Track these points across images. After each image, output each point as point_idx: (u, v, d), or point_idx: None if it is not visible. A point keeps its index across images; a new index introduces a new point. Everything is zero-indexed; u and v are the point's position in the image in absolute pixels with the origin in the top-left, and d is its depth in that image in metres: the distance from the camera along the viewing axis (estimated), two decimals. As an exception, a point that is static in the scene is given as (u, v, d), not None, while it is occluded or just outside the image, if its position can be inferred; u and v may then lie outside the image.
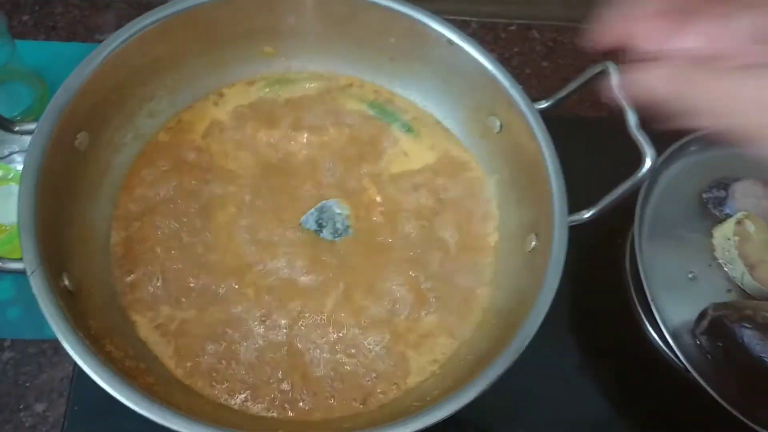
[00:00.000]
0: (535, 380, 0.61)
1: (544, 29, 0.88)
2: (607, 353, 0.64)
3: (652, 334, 0.60)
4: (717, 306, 0.57)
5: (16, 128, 0.47)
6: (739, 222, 0.61)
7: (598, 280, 0.67)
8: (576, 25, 0.88)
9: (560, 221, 0.48)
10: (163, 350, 0.49)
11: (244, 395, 0.48)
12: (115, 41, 0.50)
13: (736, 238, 0.60)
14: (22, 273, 0.42)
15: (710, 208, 0.63)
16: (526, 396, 0.60)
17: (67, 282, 0.45)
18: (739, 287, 0.61)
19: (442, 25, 0.56)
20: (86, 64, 0.49)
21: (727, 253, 0.61)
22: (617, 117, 0.50)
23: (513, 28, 0.87)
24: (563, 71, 0.84)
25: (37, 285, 0.41)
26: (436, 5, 0.77)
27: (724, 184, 0.64)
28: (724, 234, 0.61)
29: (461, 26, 0.86)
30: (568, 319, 0.65)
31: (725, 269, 0.61)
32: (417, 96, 0.63)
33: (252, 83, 0.61)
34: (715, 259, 0.61)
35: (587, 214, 0.49)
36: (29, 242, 0.42)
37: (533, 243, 0.51)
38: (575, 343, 0.64)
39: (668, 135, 0.65)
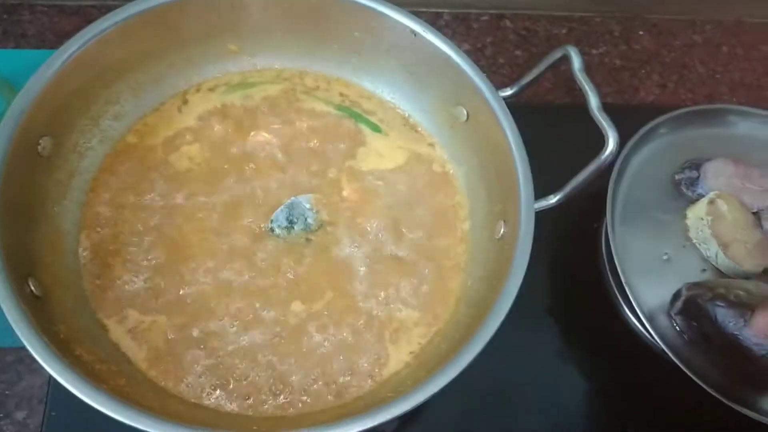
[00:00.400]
0: (516, 364, 0.61)
1: (516, 18, 0.88)
2: (586, 336, 0.65)
3: (629, 317, 0.60)
4: (690, 286, 0.57)
5: (-23, 135, 0.47)
6: (711, 202, 0.61)
7: (576, 264, 0.67)
8: (548, 13, 0.88)
9: (527, 207, 0.48)
10: (135, 352, 0.49)
11: (217, 393, 0.48)
12: (75, 44, 0.50)
13: (709, 217, 0.60)
14: (-15, 279, 0.42)
15: (683, 189, 0.64)
16: (506, 380, 0.61)
17: (33, 287, 0.45)
18: (714, 267, 0.61)
19: (405, 17, 0.56)
20: (46, 69, 0.49)
21: (700, 232, 0.61)
22: (582, 102, 0.50)
23: (485, 18, 0.87)
24: (536, 59, 0.82)
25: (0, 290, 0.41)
26: (408, -1, 0.77)
27: (696, 165, 0.64)
28: (697, 214, 0.61)
29: (433, 18, 0.87)
30: (546, 303, 0.65)
31: (699, 249, 0.61)
32: (384, 89, 0.62)
33: (215, 88, 0.61)
34: (689, 239, 0.62)
35: (554, 199, 0.49)
36: (-9, 250, 0.42)
37: (502, 230, 0.51)
38: (554, 327, 0.64)
39: (637, 118, 0.66)
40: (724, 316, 0.55)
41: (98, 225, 0.53)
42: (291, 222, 0.55)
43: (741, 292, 0.56)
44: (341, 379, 0.50)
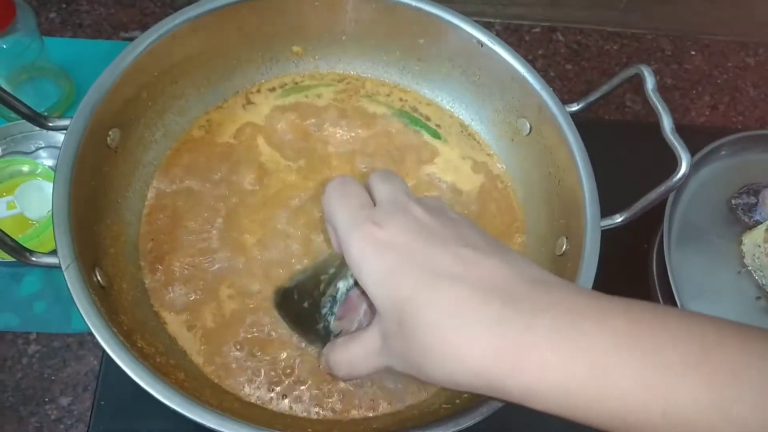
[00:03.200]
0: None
1: (568, 32, 0.87)
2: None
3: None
4: None
5: (50, 124, 0.47)
6: None
7: (624, 286, 0.66)
8: (600, 28, 0.88)
9: (593, 225, 0.48)
10: (192, 347, 0.49)
11: (273, 394, 0.48)
12: (146, 40, 0.51)
13: (767, 245, 0.59)
14: (56, 267, 0.42)
15: (739, 214, 0.63)
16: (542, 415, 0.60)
17: (99, 277, 0.45)
18: (769, 294, 0.60)
19: (472, 27, 0.56)
20: (119, 63, 0.49)
21: (757, 259, 0.60)
22: (643, 120, 0.50)
23: (537, 30, 0.87)
24: (587, 74, 0.84)
25: (71, 280, 0.41)
26: (459, 6, 0.77)
27: (754, 190, 0.63)
28: (754, 240, 0.61)
29: (485, 28, 0.87)
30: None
31: (755, 276, 0.60)
32: (444, 98, 0.62)
33: (277, 88, 0.61)
34: (744, 266, 0.61)
35: (620, 218, 0.49)
36: (64, 237, 0.42)
37: (564, 247, 0.51)
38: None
39: (697, 139, 0.65)
40: None
41: (159, 218, 0.54)
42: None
43: None
44: (392, 386, 0.50)
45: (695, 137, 0.65)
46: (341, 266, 0.44)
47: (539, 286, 0.31)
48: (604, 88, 0.53)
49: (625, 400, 0.27)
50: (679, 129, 0.80)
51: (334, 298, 0.44)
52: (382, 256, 0.34)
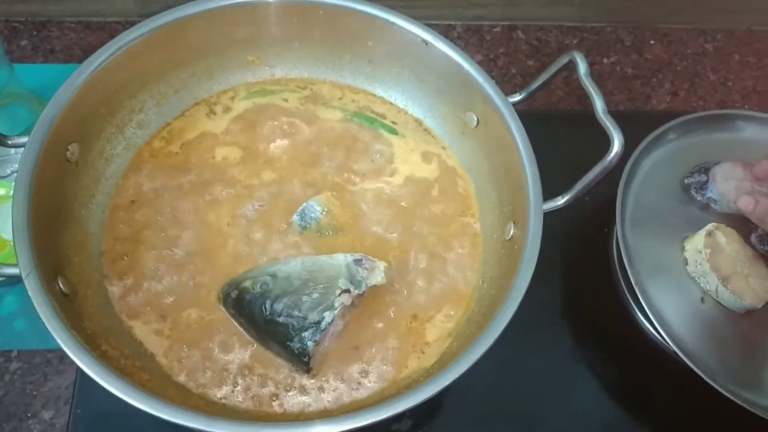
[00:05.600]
0: (528, 368, 0.62)
1: (528, 29, 0.89)
2: (598, 339, 0.65)
3: (640, 319, 0.61)
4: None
5: (10, 142, 0.49)
6: (709, 234, 0.60)
7: (587, 268, 0.68)
8: (559, 24, 0.90)
9: (535, 208, 0.49)
10: (158, 349, 0.51)
11: (236, 391, 0.49)
12: (101, 56, 0.53)
13: (708, 250, 0.59)
14: (17, 277, 0.44)
15: (692, 193, 0.64)
16: (518, 383, 0.62)
17: (61, 285, 0.47)
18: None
19: (416, 26, 0.58)
20: (74, 79, 0.51)
21: (699, 266, 0.60)
22: (590, 107, 0.52)
23: (497, 29, 0.89)
24: (548, 69, 0.86)
25: (31, 288, 0.43)
26: (420, 11, 0.79)
27: (705, 169, 0.64)
28: (695, 246, 0.60)
29: (446, 30, 0.89)
30: (559, 307, 0.66)
31: (698, 282, 0.60)
32: (397, 96, 0.64)
33: (235, 96, 0.63)
34: (687, 273, 0.61)
35: (561, 201, 0.50)
36: (23, 247, 0.44)
37: (512, 231, 0.52)
38: (566, 330, 0.65)
39: (649, 125, 0.67)
40: None
41: (122, 228, 0.55)
42: (304, 226, 0.57)
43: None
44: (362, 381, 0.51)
45: (656, 123, 0.66)
46: (326, 293, 0.47)
47: None
48: (542, 77, 0.54)
49: None
50: (639, 116, 0.83)
51: (317, 325, 0.46)
52: None
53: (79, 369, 0.60)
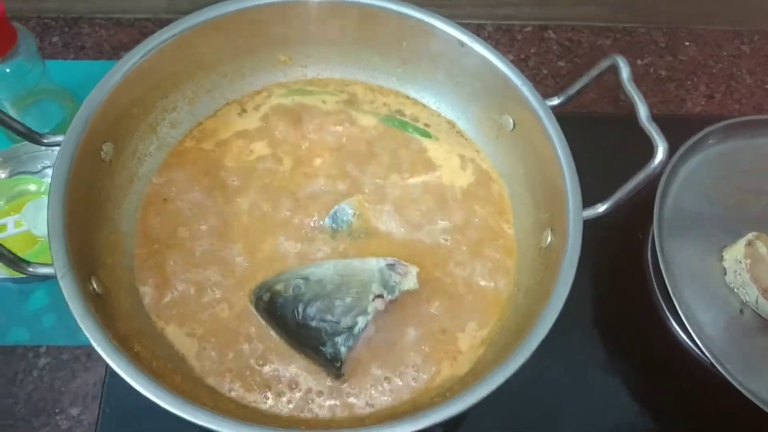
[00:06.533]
0: (560, 375, 0.61)
1: (559, 29, 0.88)
2: (632, 348, 0.64)
3: (675, 328, 0.59)
4: None
5: (45, 140, 0.49)
6: (749, 243, 0.59)
7: (622, 275, 0.67)
8: (591, 24, 0.88)
9: (575, 216, 0.48)
10: (189, 351, 0.50)
11: (267, 396, 0.49)
12: (134, 57, 0.53)
13: (748, 260, 0.58)
14: (52, 277, 0.44)
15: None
16: (550, 390, 0.61)
17: (95, 286, 0.47)
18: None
19: (453, 27, 0.57)
20: (108, 79, 0.51)
21: (738, 276, 0.58)
22: (632, 113, 0.50)
23: (528, 29, 0.88)
24: (580, 70, 0.85)
25: (66, 288, 0.43)
26: (451, 10, 0.78)
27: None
28: (734, 256, 0.59)
29: (476, 30, 0.88)
30: (590, 314, 0.65)
31: (737, 293, 0.59)
32: (430, 98, 0.63)
33: (268, 96, 0.63)
34: (726, 283, 0.59)
35: (602, 208, 0.49)
36: (59, 248, 0.44)
37: (549, 239, 0.51)
38: (599, 339, 0.64)
39: (694, 129, 0.65)
40: None
41: (154, 228, 0.55)
42: (335, 228, 0.56)
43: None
44: (387, 386, 0.51)
45: (691, 127, 0.65)
46: (360, 298, 0.46)
47: None
48: (583, 80, 0.53)
49: None
50: (675, 119, 0.81)
51: (351, 330, 0.46)
52: None
53: (108, 367, 0.61)
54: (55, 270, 0.43)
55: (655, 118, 0.49)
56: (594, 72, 0.52)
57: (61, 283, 0.43)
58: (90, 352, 0.63)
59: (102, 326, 0.43)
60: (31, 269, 0.44)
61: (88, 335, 0.42)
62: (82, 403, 0.60)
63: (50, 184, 0.46)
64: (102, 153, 0.52)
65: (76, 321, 0.43)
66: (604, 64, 0.51)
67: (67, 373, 0.62)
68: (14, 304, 0.64)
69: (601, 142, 0.65)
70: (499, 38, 0.87)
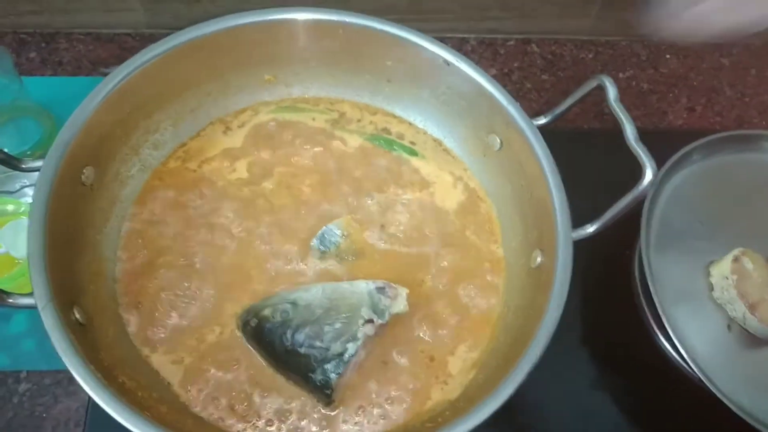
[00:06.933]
0: (549, 393, 0.60)
1: (542, 42, 0.88)
2: (621, 365, 0.64)
3: (665, 345, 0.59)
4: None
5: (24, 166, 0.48)
6: (736, 259, 0.59)
7: (609, 291, 0.67)
8: (574, 37, 0.89)
9: (564, 237, 0.48)
10: (174, 379, 0.49)
11: (257, 424, 0.48)
12: (117, 76, 0.52)
13: (734, 276, 0.58)
14: (33, 308, 0.42)
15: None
16: (540, 408, 0.60)
17: (77, 315, 0.45)
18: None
19: (438, 46, 0.56)
20: (90, 100, 0.50)
21: (725, 292, 0.58)
22: (617, 129, 0.51)
23: (511, 43, 0.88)
24: (563, 83, 0.85)
25: (47, 320, 0.42)
26: (434, 24, 0.78)
27: None
28: (721, 272, 0.59)
29: (460, 43, 0.88)
30: (579, 331, 0.65)
31: (725, 309, 0.59)
32: (416, 117, 0.63)
33: (252, 116, 0.62)
34: (713, 299, 0.59)
35: (591, 229, 0.49)
36: (39, 278, 0.43)
37: (538, 259, 0.51)
38: (588, 356, 0.64)
39: (676, 143, 0.65)
40: None
41: (137, 253, 0.54)
42: (323, 250, 0.56)
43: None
44: (377, 410, 0.50)
45: (674, 141, 0.65)
46: (349, 323, 0.46)
47: None
48: (569, 101, 0.53)
49: None
50: (657, 133, 0.82)
51: (341, 357, 0.45)
52: None
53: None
54: (35, 301, 0.42)
55: (639, 132, 0.49)
56: (580, 92, 0.52)
57: (42, 315, 0.42)
58: (72, 377, 0.61)
59: (85, 358, 0.42)
60: (11, 300, 0.43)
61: (70, 368, 0.41)
62: (64, 428, 0.59)
63: (30, 212, 0.45)
64: (83, 177, 0.50)
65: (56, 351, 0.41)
66: (590, 84, 0.51)
67: (49, 398, 0.60)
68: (-7, 328, 0.62)
69: (587, 159, 0.65)
70: (483, 52, 0.87)
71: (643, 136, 0.49)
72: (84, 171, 0.50)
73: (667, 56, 0.89)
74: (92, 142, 0.51)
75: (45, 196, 0.46)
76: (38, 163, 0.47)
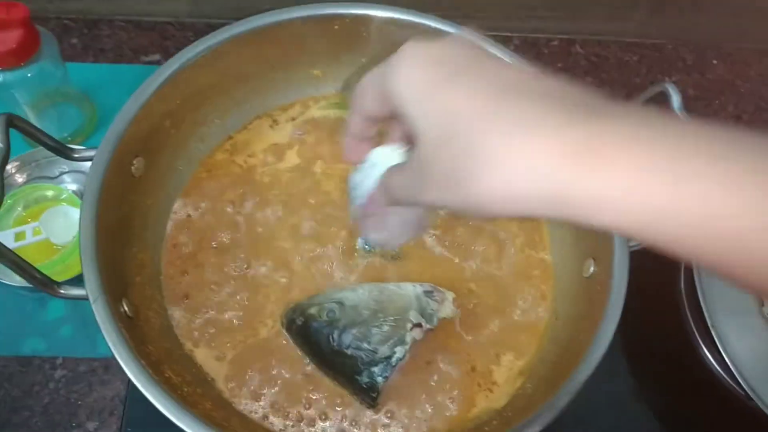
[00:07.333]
0: (587, 405, 0.59)
1: (587, 44, 0.87)
2: (662, 378, 0.63)
3: (709, 358, 0.58)
4: None
5: (76, 155, 0.48)
6: None
7: (652, 302, 0.65)
8: (619, 39, 0.87)
9: (621, 247, 0.47)
10: (218, 375, 0.49)
11: (301, 425, 0.48)
12: (168, 69, 0.51)
13: None
14: (84, 299, 0.42)
15: None
16: (577, 422, 0.59)
17: (126, 308, 0.45)
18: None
19: (497, 49, 0.55)
20: (141, 92, 0.49)
21: None
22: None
23: (555, 43, 0.86)
24: (607, 86, 0.83)
25: (99, 313, 0.42)
26: (477, 21, 0.76)
27: None
28: None
29: (503, 42, 0.86)
30: (620, 342, 0.64)
31: None
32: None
33: (303, 110, 0.62)
34: (764, 316, 0.58)
35: (647, 239, 0.48)
36: (91, 271, 0.42)
37: (591, 269, 0.50)
38: (628, 368, 0.63)
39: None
40: None
41: (182, 244, 0.54)
42: (368, 250, 0.55)
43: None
44: (419, 414, 0.49)
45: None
46: (397, 327, 0.45)
47: (601, 99, 0.27)
48: (630, 107, 0.52)
49: (706, 207, 0.23)
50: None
51: (388, 360, 0.44)
52: (435, 66, 0.29)
53: (129, 383, 0.60)
54: (87, 293, 0.42)
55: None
56: (642, 98, 0.51)
57: (95, 308, 0.41)
58: (107, 365, 0.61)
59: (135, 352, 0.41)
60: (63, 291, 0.43)
61: (122, 363, 0.41)
62: (98, 417, 0.59)
63: (82, 204, 0.44)
64: (133, 168, 0.50)
65: (108, 344, 0.41)
66: (653, 90, 0.50)
67: (84, 386, 0.60)
68: (31, 313, 0.62)
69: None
70: (525, 52, 0.85)
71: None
72: (134, 162, 0.50)
73: (714, 62, 0.87)
74: (143, 133, 0.50)
75: (97, 187, 0.45)
76: (90, 153, 0.47)
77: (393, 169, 0.35)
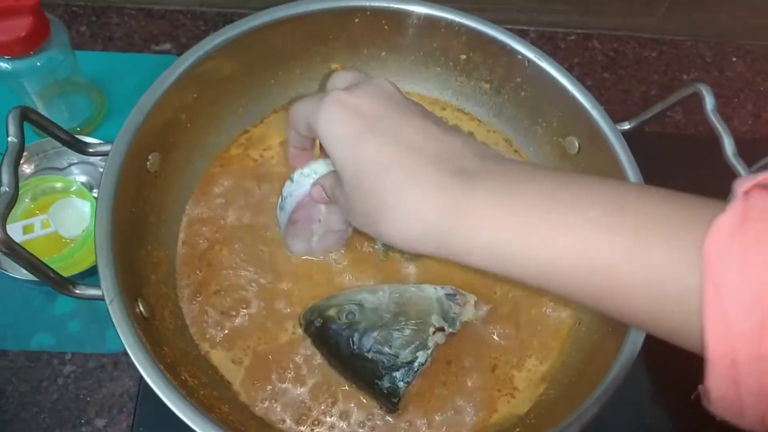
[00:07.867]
0: (605, 410, 0.59)
1: (604, 39, 0.85)
2: (680, 380, 0.62)
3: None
4: None
5: (91, 150, 0.46)
6: None
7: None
8: (637, 35, 0.85)
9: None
10: (235, 377, 0.48)
11: (319, 430, 0.47)
12: (184, 63, 0.50)
13: None
14: (100, 299, 0.41)
15: None
16: (592, 422, 0.58)
17: (142, 308, 0.44)
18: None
19: (520, 43, 0.54)
20: (157, 87, 0.48)
21: None
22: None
23: (572, 37, 0.85)
24: (625, 82, 0.82)
25: (116, 314, 0.40)
26: (493, 15, 0.75)
27: None
28: None
29: (519, 35, 0.85)
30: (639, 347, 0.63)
31: None
32: (487, 114, 0.61)
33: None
34: None
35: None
36: (108, 270, 0.41)
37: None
38: (647, 374, 0.62)
39: (741, 151, 0.62)
40: None
41: (196, 241, 0.53)
42: (386, 250, 0.54)
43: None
44: (439, 417, 0.48)
45: (740, 148, 0.62)
46: (419, 330, 0.44)
47: (489, 160, 0.34)
48: (659, 107, 0.50)
49: (547, 249, 0.30)
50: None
51: (410, 365, 0.44)
52: (351, 119, 0.35)
53: (141, 380, 0.59)
54: (103, 293, 0.41)
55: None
56: (673, 99, 0.49)
57: (110, 308, 0.40)
58: (117, 361, 0.60)
59: (152, 354, 0.40)
60: (78, 291, 0.41)
61: (137, 364, 0.40)
62: (108, 414, 0.58)
63: (98, 201, 0.43)
64: (148, 164, 0.49)
65: (116, 333, 0.40)
66: (685, 91, 0.48)
67: (93, 382, 0.59)
68: (39, 308, 0.61)
69: (668, 164, 0.62)
70: (542, 45, 0.83)
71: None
72: (150, 157, 0.49)
73: (734, 59, 0.86)
74: (158, 128, 0.49)
75: (113, 183, 0.44)
76: (105, 148, 0.46)
77: (330, 175, 0.42)
